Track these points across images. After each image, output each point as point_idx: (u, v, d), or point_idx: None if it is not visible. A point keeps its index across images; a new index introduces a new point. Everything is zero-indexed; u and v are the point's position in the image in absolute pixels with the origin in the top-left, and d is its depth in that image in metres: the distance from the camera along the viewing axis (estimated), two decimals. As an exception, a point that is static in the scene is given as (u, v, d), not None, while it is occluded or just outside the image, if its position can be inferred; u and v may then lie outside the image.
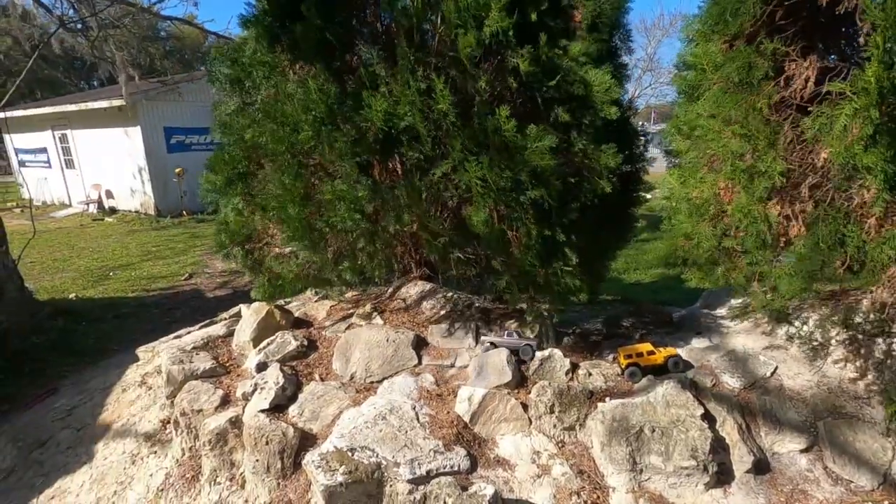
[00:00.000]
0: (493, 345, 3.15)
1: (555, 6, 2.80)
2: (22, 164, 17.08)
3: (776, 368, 2.94)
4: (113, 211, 14.93)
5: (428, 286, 3.91)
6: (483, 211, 2.73)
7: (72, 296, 7.68)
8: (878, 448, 2.52)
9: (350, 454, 2.48)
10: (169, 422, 3.25)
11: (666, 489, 2.56)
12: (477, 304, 3.67)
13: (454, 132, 2.74)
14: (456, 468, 2.57)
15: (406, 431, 2.67)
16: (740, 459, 2.58)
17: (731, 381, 2.89)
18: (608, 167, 2.82)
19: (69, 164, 15.84)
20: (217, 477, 2.85)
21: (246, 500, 2.74)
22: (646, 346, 3.10)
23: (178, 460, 3.03)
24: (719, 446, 2.64)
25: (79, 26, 10.90)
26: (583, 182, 2.84)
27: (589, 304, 4.42)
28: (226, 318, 4.16)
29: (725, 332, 3.36)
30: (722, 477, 2.58)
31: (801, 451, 2.63)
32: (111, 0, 7.08)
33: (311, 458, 2.49)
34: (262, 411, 2.87)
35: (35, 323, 6.04)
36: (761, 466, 2.61)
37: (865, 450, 2.53)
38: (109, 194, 15.06)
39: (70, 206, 16.07)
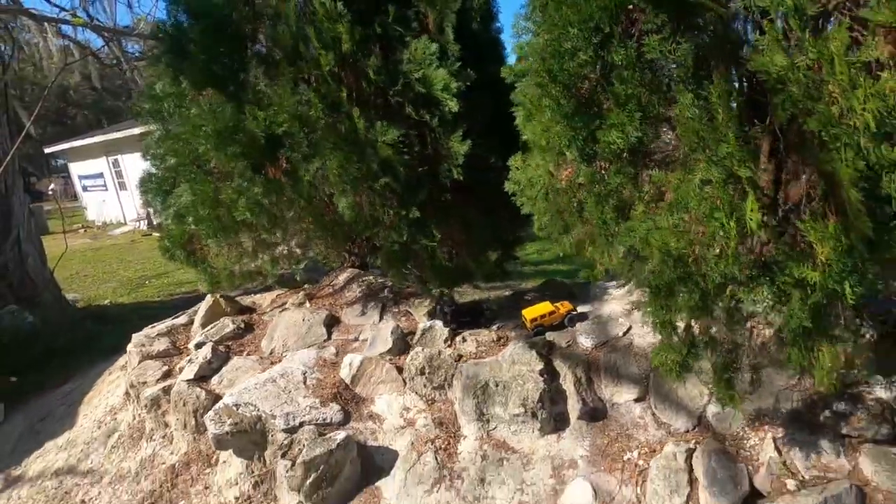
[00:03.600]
0: None
1: (401, 15, 3.20)
2: (84, 189, 19.01)
3: (630, 328, 3.19)
4: (161, 226, 16.36)
5: (354, 273, 4.38)
6: (346, 197, 3.17)
7: (106, 302, 8.72)
8: (697, 394, 2.76)
9: (235, 409, 3.00)
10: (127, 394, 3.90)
11: (509, 436, 2.91)
12: (389, 286, 4.10)
13: (325, 133, 3.19)
14: (328, 421, 3.03)
15: (290, 391, 3.15)
16: (573, 408, 2.88)
17: (585, 342, 3.18)
18: (459, 153, 3.18)
19: (122, 186, 17.48)
20: (153, 435, 3.46)
21: (172, 452, 3.32)
22: (546, 307, 3.43)
23: (129, 424, 3.66)
24: (560, 398, 2.96)
25: (114, 61, 12.19)
26: (438, 168, 3.22)
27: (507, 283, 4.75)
28: (192, 310, 4.80)
29: (605, 300, 3.62)
30: (559, 424, 2.90)
31: (636, 401, 2.90)
32: (113, 34, 8.00)
33: (208, 414, 3.03)
34: (187, 381, 3.44)
35: (67, 326, 7.00)
36: (596, 414, 2.89)
37: (685, 396, 2.77)
38: (156, 211, 16.51)
39: (125, 224, 17.72)
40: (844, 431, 2.47)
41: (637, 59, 1.91)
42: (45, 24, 8.84)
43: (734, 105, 2.05)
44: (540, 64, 2.02)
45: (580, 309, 3.64)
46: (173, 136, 3.38)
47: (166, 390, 3.48)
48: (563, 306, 3.45)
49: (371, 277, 4.33)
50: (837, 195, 1.78)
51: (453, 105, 3.12)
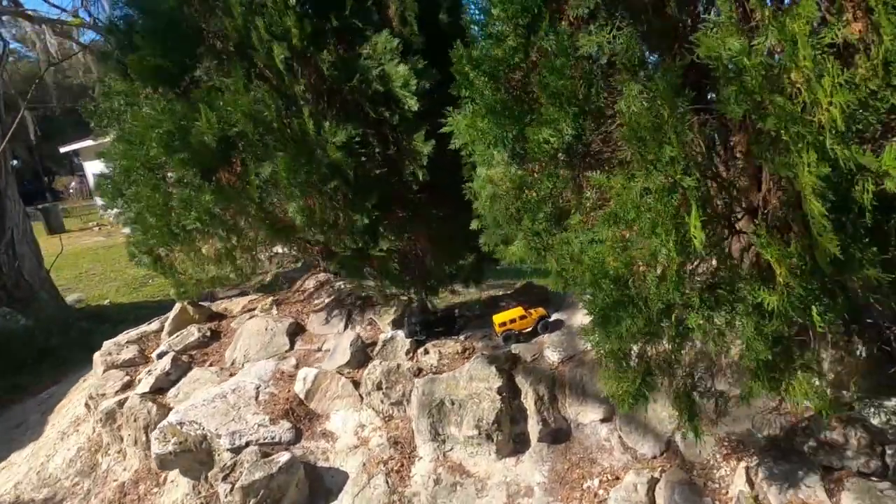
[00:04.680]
0: None
1: (360, 8, 2.98)
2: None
3: (599, 341, 2.95)
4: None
5: (324, 278, 4.22)
6: (296, 201, 2.99)
7: (106, 301, 8.76)
8: (666, 417, 2.51)
9: (180, 427, 2.86)
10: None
11: (465, 458, 2.72)
12: (360, 293, 3.92)
13: (277, 134, 3.00)
14: (277, 440, 2.88)
15: (239, 408, 3.01)
16: (533, 429, 2.67)
17: (552, 355, 2.95)
18: (423, 153, 2.97)
19: (134, 183, 17.66)
20: (109, 449, 3.36)
21: (125, 469, 3.21)
22: (517, 312, 3.24)
23: (88, 437, 3.57)
24: (521, 417, 2.75)
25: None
26: (402, 168, 3.01)
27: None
28: (164, 317, 4.70)
29: (579, 308, 3.38)
30: (519, 446, 2.69)
31: (602, 421, 2.67)
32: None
33: (153, 433, 2.91)
34: (141, 394, 3.32)
35: (62, 325, 7.02)
36: (559, 436, 2.68)
37: (653, 419, 2.53)
38: (167, 208, 16.65)
39: (138, 221, 17.94)
40: (827, 462, 2.21)
41: (572, 47, 1.67)
42: (43, 25, 8.85)
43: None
44: (464, 51, 1.79)
45: (555, 316, 3.42)
46: (126, 138, 3.23)
47: (121, 403, 3.37)
48: (536, 312, 3.25)
49: (340, 283, 4.15)
50: (800, 207, 1.53)
51: (413, 103, 2.89)
